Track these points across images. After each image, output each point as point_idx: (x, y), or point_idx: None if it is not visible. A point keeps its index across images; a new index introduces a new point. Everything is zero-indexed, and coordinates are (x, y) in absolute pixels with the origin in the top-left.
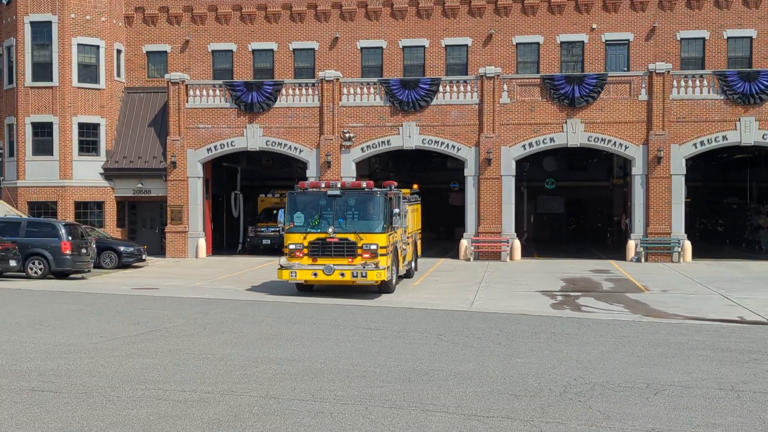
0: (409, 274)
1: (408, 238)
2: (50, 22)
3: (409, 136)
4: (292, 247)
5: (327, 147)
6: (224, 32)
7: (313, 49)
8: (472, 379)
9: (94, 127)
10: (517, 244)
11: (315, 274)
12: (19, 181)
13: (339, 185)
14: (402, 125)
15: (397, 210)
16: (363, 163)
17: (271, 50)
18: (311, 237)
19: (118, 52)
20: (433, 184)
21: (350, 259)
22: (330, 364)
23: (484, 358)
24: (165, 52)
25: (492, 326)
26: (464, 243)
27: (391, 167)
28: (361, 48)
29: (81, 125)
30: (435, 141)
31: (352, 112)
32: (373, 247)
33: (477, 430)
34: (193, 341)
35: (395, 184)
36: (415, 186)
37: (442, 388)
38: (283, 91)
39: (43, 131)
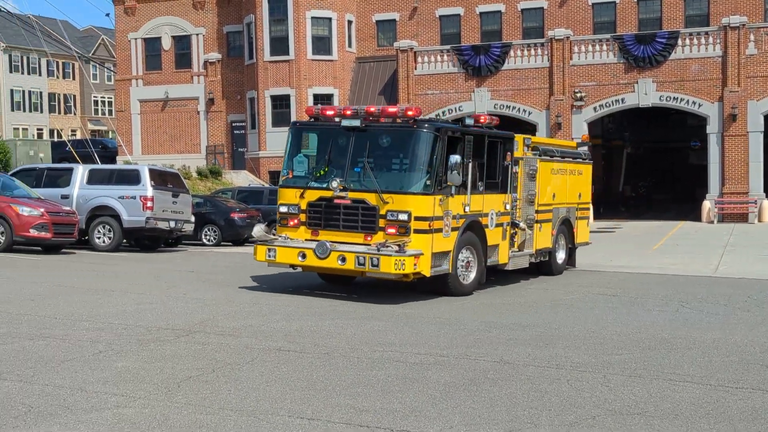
0: (547, 269)
1: (544, 212)
2: None
3: (645, 93)
4: (283, 210)
5: (557, 108)
6: None
7: (542, 8)
8: (718, 348)
9: (327, 98)
10: (767, 204)
11: (302, 256)
12: (260, 152)
13: (364, 112)
14: (637, 82)
15: (465, 161)
16: (595, 123)
17: (499, 12)
18: (311, 196)
19: (349, 23)
20: (672, 143)
21: (367, 235)
22: (564, 330)
23: (730, 326)
24: (393, 20)
25: (739, 292)
26: (707, 204)
27: (625, 126)
28: (593, 4)
29: (316, 96)
30: (673, 97)
31: (583, 71)
32: (403, 216)
33: (725, 402)
34: (418, 308)
35: (486, 119)
36: (585, 137)
37: (685, 357)
38: (511, 52)
39: (281, 103)
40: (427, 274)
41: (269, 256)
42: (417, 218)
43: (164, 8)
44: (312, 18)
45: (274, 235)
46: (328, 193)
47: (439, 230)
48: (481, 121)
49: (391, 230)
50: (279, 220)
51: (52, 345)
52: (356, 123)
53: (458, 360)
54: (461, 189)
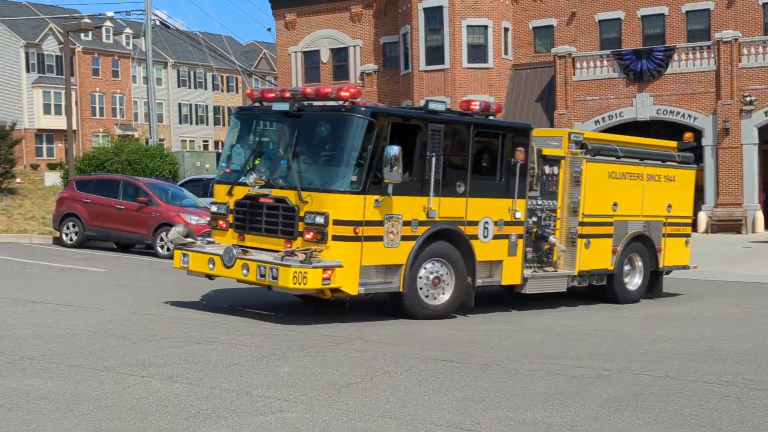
0: (610, 294)
1: (596, 225)
2: (441, 7)
3: None
4: (213, 209)
5: (725, 112)
6: (611, 0)
7: (708, 9)
8: None
9: None
10: None
11: (212, 264)
12: None
13: (299, 93)
14: None
15: (428, 155)
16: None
17: (662, 14)
18: (239, 193)
19: (505, 30)
20: None
21: (287, 241)
22: (734, 345)
23: None
24: (551, 26)
25: None
26: None
27: None
28: (763, 4)
29: None
30: None
31: (753, 74)
32: (320, 219)
33: None
34: (575, 317)
35: (476, 106)
36: (688, 135)
37: None
38: (675, 56)
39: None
40: (353, 292)
41: (183, 263)
42: (337, 222)
43: (323, 22)
44: (467, 27)
45: (197, 239)
46: (247, 189)
47: (377, 238)
48: (471, 107)
49: (309, 236)
50: (210, 222)
51: (218, 349)
52: (285, 107)
53: (621, 374)
54: (421, 189)
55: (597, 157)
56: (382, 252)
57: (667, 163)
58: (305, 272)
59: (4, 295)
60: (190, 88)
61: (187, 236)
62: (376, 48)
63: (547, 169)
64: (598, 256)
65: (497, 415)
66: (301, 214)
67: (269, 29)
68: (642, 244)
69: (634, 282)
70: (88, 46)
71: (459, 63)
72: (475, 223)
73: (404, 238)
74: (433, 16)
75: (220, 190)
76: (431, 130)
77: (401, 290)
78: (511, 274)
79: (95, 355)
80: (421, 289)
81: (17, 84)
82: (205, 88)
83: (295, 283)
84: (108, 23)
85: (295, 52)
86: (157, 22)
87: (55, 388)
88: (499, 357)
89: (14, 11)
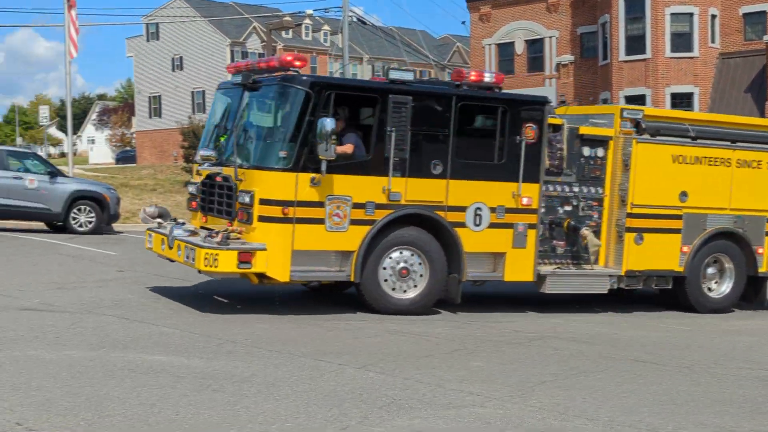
0: (682, 300)
1: (654, 218)
2: None
3: None
4: (190, 190)
5: None
6: None
7: None
8: None
9: (686, 97)
10: None
11: (164, 245)
12: None
13: (255, 66)
14: None
15: (388, 131)
16: None
17: None
18: (204, 173)
19: (713, 17)
20: None
21: (229, 221)
22: None
23: None
24: (763, 11)
25: None
26: None
27: None
28: None
29: (673, 95)
30: None
31: None
32: (247, 199)
33: None
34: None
35: (475, 76)
36: None
37: None
38: None
39: (635, 104)
40: (281, 278)
41: (148, 245)
42: (264, 201)
43: (518, 13)
44: (671, 14)
45: (169, 221)
46: (212, 170)
47: (316, 221)
48: (472, 78)
49: (240, 216)
50: (187, 202)
51: (410, 341)
52: (238, 79)
53: None
54: (380, 169)
55: (657, 137)
56: (324, 236)
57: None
58: (216, 254)
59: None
60: None
61: (159, 216)
62: (573, 38)
63: (586, 151)
64: (656, 255)
65: (701, 421)
66: (237, 191)
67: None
68: (733, 244)
69: (721, 290)
70: (289, 44)
71: (661, 52)
72: (461, 209)
73: (356, 222)
74: (634, 4)
75: (195, 170)
76: (393, 103)
77: (352, 280)
78: (518, 269)
79: (294, 342)
80: (385, 280)
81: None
82: None
83: (206, 266)
84: (307, 21)
85: (489, 45)
86: (354, 19)
87: (256, 371)
88: (704, 360)
89: (221, 11)
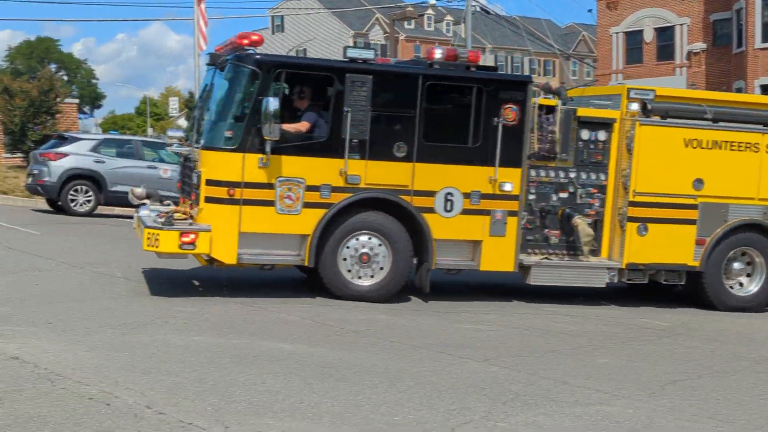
0: (702, 297)
1: (661, 208)
2: None
3: None
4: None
5: None
6: None
7: None
8: None
9: None
10: None
11: (137, 226)
12: None
13: (228, 45)
14: None
15: (346, 111)
16: None
17: None
18: (182, 153)
19: None
20: None
21: (192, 204)
22: None
23: None
24: None
25: None
26: None
27: None
28: None
29: None
30: None
31: None
32: (195, 179)
33: None
34: None
35: (450, 54)
36: None
37: None
38: None
39: None
40: (227, 261)
41: (133, 226)
42: (210, 182)
43: (647, 0)
44: None
45: (159, 201)
46: (185, 152)
47: (266, 203)
48: (444, 56)
49: (193, 197)
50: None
51: (534, 335)
52: (208, 59)
53: None
54: (337, 151)
55: (671, 120)
56: (275, 219)
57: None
58: (157, 234)
59: None
60: (507, 71)
61: (147, 197)
62: (705, 25)
63: (585, 135)
64: (664, 247)
65: None
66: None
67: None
68: (764, 237)
69: (750, 286)
70: (411, 34)
71: None
72: (429, 194)
73: (310, 205)
74: None
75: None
76: (351, 82)
77: (306, 264)
78: (496, 258)
79: (415, 333)
80: (346, 266)
81: None
82: (522, 71)
83: (148, 245)
84: (430, 11)
85: (616, 33)
86: (477, 8)
87: (378, 361)
88: None
89: (344, 3)
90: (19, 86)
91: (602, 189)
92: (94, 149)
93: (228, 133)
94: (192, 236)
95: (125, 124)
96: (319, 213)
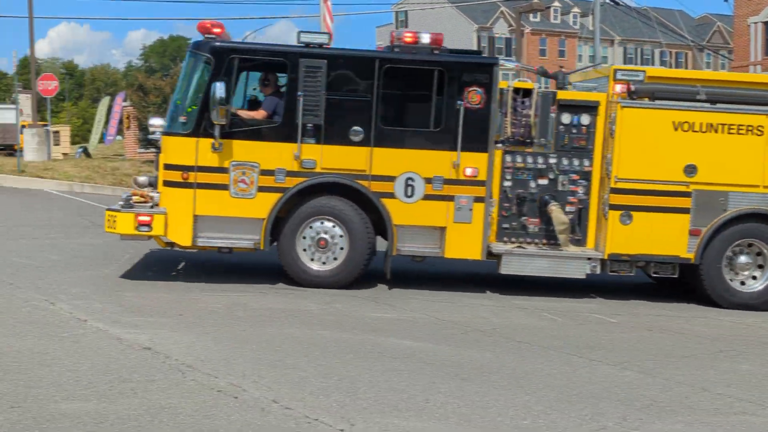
0: (699, 291)
1: (647, 195)
2: None
3: None
4: None
5: None
6: None
7: None
8: None
9: None
10: None
11: None
12: None
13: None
14: None
15: (300, 95)
16: None
17: None
18: None
19: None
20: None
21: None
22: None
23: None
24: None
25: None
26: None
27: None
28: None
29: None
30: None
31: None
32: (156, 164)
33: None
34: None
35: (409, 37)
36: None
37: None
38: None
39: None
40: (183, 243)
41: None
42: (167, 167)
43: None
44: None
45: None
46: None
47: (220, 186)
48: (406, 39)
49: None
50: None
51: (670, 338)
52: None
53: None
54: (291, 135)
55: (654, 102)
56: (229, 203)
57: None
58: (115, 216)
59: None
60: (636, 64)
61: (149, 185)
62: None
63: (566, 119)
64: (652, 237)
65: None
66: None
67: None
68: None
69: (757, 282)
70: (537, 27)
71: None
72: (388, 179)
73: (265, 189)
74: None
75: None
76: (305, 67)
77: (261, 248)
78: (462, 245)
79: (542, 334)
80: (304, 250)
81: None
82: (652, 64)
83: (108, 227)
84: (557, 3)
85: (755, 23)
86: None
87: (505, 362)
88: None
89: None
90: (153, 83)
91: (586, 176)
92: None
93: (182, 119)
94: (147, 218)
95: None
96: (274, 197)
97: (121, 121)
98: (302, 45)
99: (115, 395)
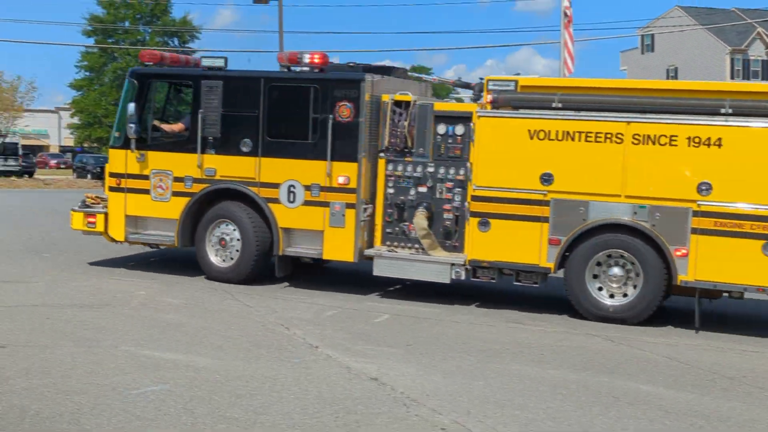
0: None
1: (506, 203)
2: None
3: None
4: None
5: None
6: None
7: None
8: None
9: None
10: None
11: None
12: None
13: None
14: None
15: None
16: None
17: None
18: None
19: None
20: None
21: None
22: None
23: None
24: None
25: None
26: None
27: None
28: None
29: None
30: None
31: None
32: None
33: None
34: None
35: (289, 57)
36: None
37: None
38: None
39: None
40: (118, 238)
41: None
42: (111, 174)
43: None
44: None
45: None
46: None
47: (144, 191)
48: (287, 59)
49: None
50: None
51: None
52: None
53: None
54: (195, 147)
55: (509, 111)
56: (150, 205)
57: (706, 118)
58: (72, 215)
59: None
60: None
61: None
62: None
63: (442, 129)
64: (510, 245)
65: None
66: None
67: None
68: (640, 241)
69: (623, 296)
70: None
71: None
72: (274, 186)
73: (177, 194)
74: None
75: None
76: (205, 87)
77: (176, 245)
78: (337, 248)
79: None
80: (214, 247)
81: None
82: None
83: (72, 225)
84: None
85: None
86: None
87: (758, 414)
88: None
89: (722, 18)
90: None
91: (461, 184)
92: None
93: (116, 134)
94: (93, 218)
95: None
96: (184, 201)
97: None
98: (204, 68)
99: (340, 427)
